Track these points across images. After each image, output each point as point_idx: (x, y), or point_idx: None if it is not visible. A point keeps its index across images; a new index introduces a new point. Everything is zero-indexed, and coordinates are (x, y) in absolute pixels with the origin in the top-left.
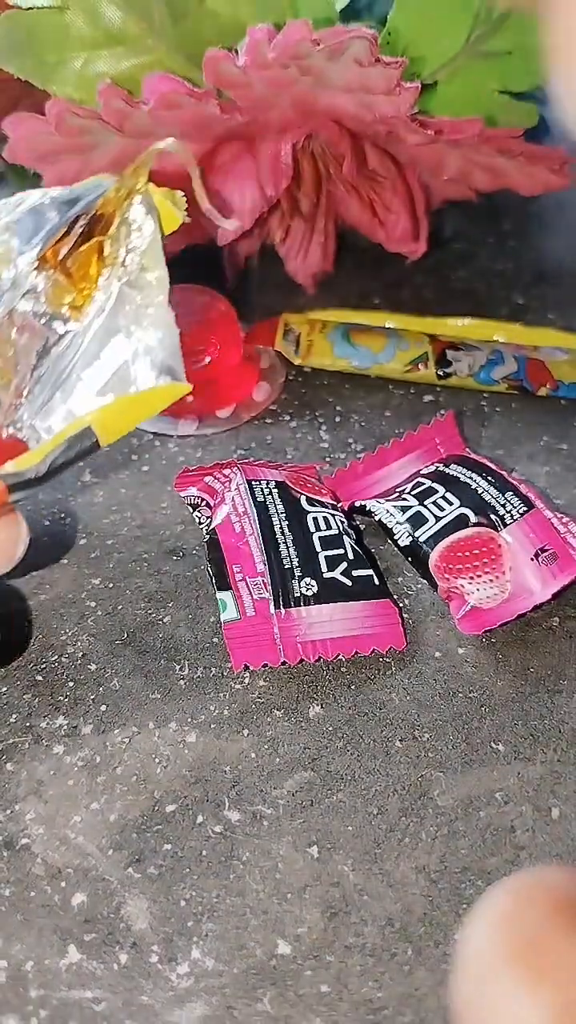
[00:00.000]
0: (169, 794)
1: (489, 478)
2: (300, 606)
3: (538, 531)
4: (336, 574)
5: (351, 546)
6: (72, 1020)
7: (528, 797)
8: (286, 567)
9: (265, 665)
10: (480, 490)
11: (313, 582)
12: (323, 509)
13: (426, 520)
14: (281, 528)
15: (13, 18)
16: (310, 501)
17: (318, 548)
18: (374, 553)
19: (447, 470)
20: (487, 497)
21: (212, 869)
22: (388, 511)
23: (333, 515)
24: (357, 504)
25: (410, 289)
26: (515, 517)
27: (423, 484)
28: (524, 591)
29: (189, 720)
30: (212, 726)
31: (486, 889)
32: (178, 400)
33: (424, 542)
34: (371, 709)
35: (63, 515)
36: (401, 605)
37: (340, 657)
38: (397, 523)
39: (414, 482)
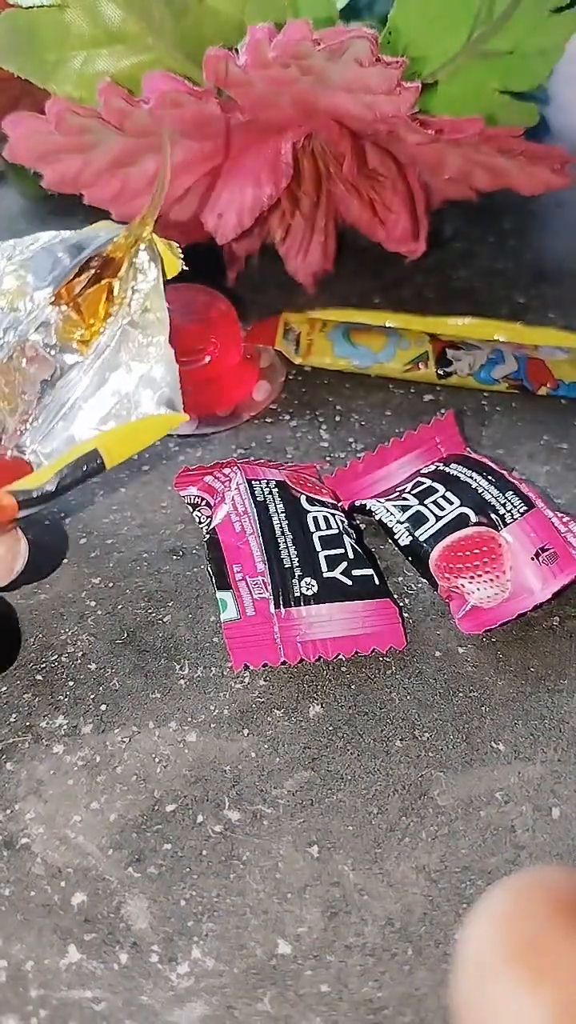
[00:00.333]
0: (169, 794)
1: (489, 477)
2: (300, 605)
3: (538, 530)
4: (336, 573)
5: (351, 545)
6: (72, 1020)
7: (528, 797)
8: (286, 567)
9: (265, 665)
10: (480, 489)
11: (313, 582)
12: (323, 508)
13: (426, 519)
14: (281, 527)
15: (13, 17)
16: (310, 500)
17: (318, 547)
18: (374, 552)
19: (447, 469)
20: (487, 496)
21: (212, 869)
22: (388, 510)
23: (333, 514)
24: (357, 503)
25: (410, 288)
26: (515, 516)
27: (423, 483)
28: (524, 590)
29: (189, 720)
30: (212, 726)
31: (486, 889)
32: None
33: (424, 541)
34: (371, 709)
35: (63, 515)
36: (401, 604)
37: (340, 657)
38: (397, 522)
39: (414, 481)
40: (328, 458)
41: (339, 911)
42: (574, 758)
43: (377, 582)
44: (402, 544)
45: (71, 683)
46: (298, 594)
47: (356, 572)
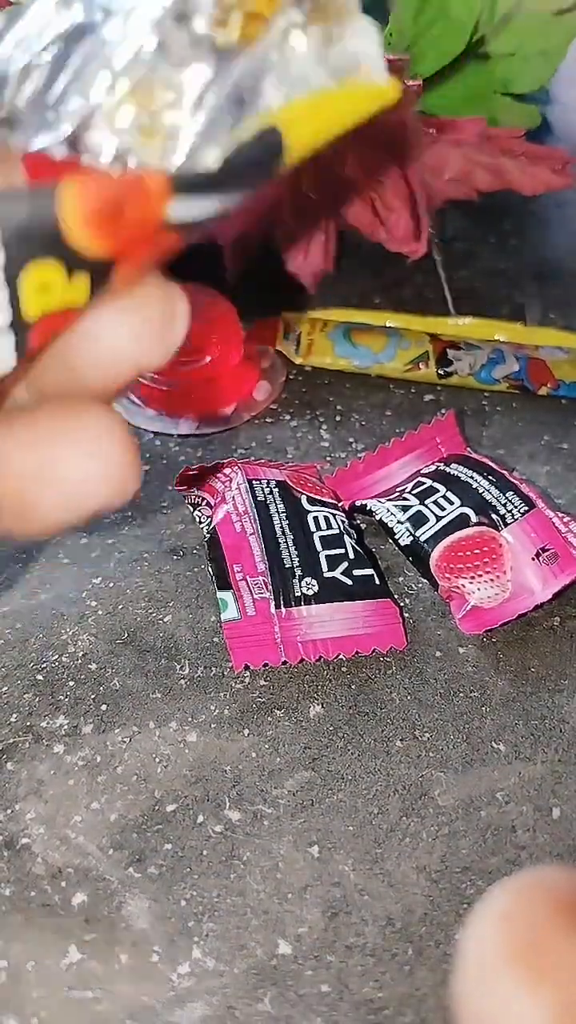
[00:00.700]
0: (170, 794)
1: (490, 477)
2: (301, 605)
3: (539, 531)
4: (337, 573)
5: (352, 545)
6: (72, 1020)
7: (529, 797)
8: (287, 566)
9: (266, 665)
10: (481, 489)
11: (314, 581)
12: (324, 508)
13: (427, 519)
14: (282, 527)
15: None
16: (311, 500)
17: (319, 547)
18: (375, 552)
19: (448, 469)
20: (488, 496)
21: (213, 869)
22: (389, 510)
23: (334, 514)
24: (358, 503)
25: (411, 288)
26: (516, 517)
27: (424, 483)
28: (525, 591)
29: (190, 720)
30: (213, 726)
31: (487, 889)
32: (178, 400)
33: (425, 541)
34: (371, 709)
35: None
36: (402, 605)
37: (340, 657)
38: (398, 522)
39: (415, 481)
40: (328, 458)
41: (340, 911)
42: (574, 758)
43: (378, 582)
44: (403, 544)
45: (72, 683)
46: (299, 594)
47: (357, 572)
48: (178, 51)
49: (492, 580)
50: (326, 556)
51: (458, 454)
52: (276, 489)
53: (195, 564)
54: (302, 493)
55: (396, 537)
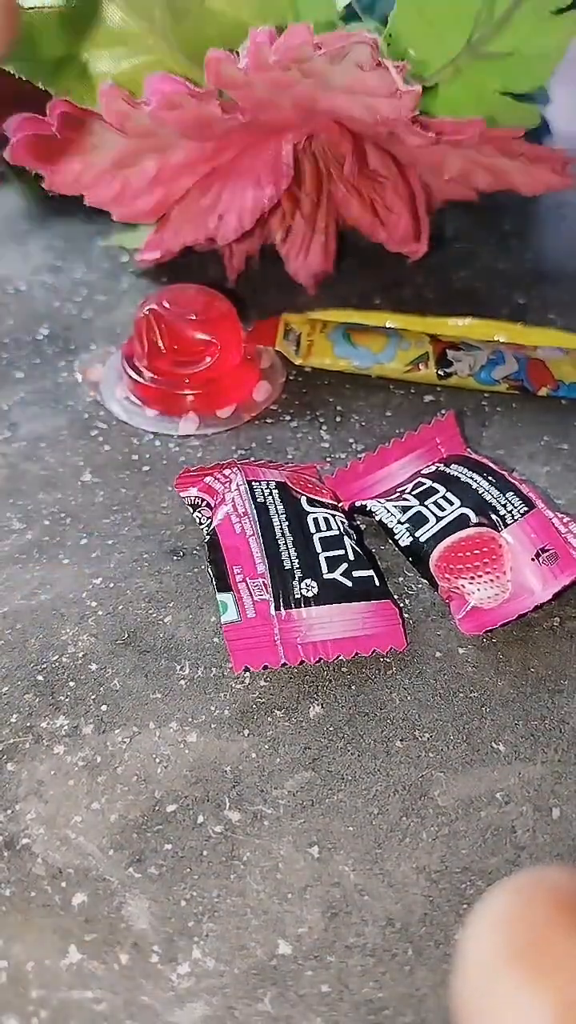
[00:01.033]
0: (170, 794)
1: (490, 478)
2: (300, 607)
3: (539, 531)
4: (336, 575)
5: (352, 547)
6: (72, 1020)
7: (529, 797)
8: (286, 568)
9: (265, 667)
10: (481, 490)
11: (313, 583)
12: (324, 510)
13: (427, 520)
14: (281, 529)
15: None
16: (310, 502)
17: (318, 549)
18: (375, 553)
19: (448, 470)
20: (488, 497)
21: (213, 869)
22: (389, 511)
23: (334, 516)
24: (358, 504)
25: (411, 289)
26: (516, 517)
27: (424, 484)
28: (525, 591)
29: (190, 720)
30: (213, 726)
31: (487, 889)
32: (178, 400)
33: (425, 542)
34: (371, 709)
35: (63, 515)
36: (402, 605)
37: (340, 658)
38: (398, 523)
39: (415, 482)
40: (328, 459)
41: (339, 911)
42: (574, 758)
43: (377, 583)
44: (402, 545)
45: (72, 683)
46: (298, 596)
47: (356, 573)
48: None
49: (492, 581)
50: (326, 557)
51: (458, 455)
52: (276, 490)
53: (195, 565)
54: (302, 494)
55: (396, 538)
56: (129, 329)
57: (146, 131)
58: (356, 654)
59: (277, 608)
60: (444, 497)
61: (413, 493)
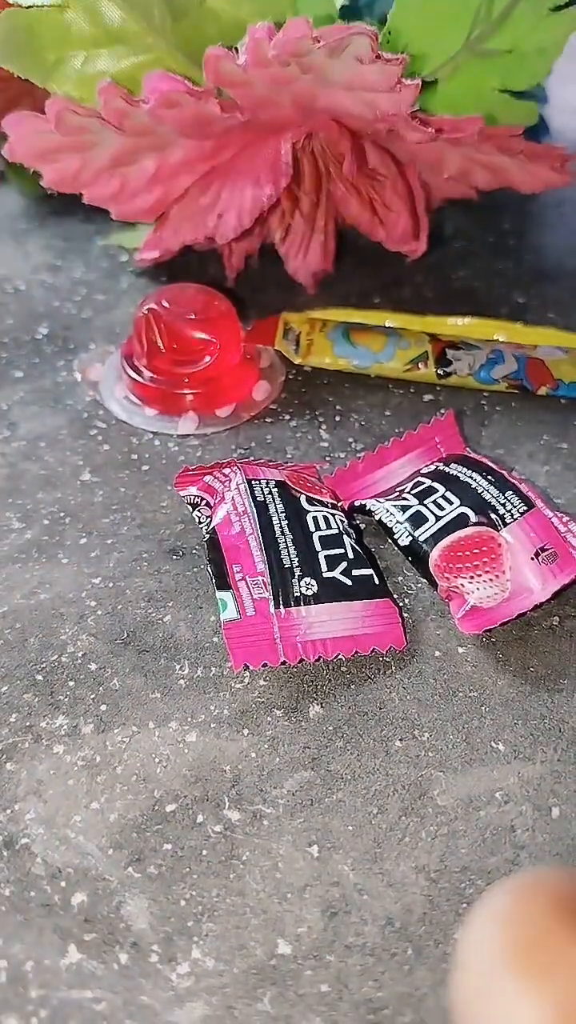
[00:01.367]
0: (169, 793)
1: (489, 477)
2: (300, 606)
3: (538, 530)
4: (336, 573)
5: (351, 545)
6: (72, 1020)
7: (528, 796)
8: (286, 566)
9: (265, 665)
10: (480, 489)
11: (313, 582)
12: (323, 508)
13: (426, 519)
14: (281, 527)
15: (13, 17)
16: (310, 500)
17: (318, 547)
18: (374, 552)
19: (447, 469)
20: (487, 496)
21: (212, 869)
22: (388, 510)
23: (333, 514)
24: (357, 503)
25: (410, 288)
26: (515, 516)
27: (423, 483)
28: (524, 590)
29: (189, 719)
30: (212, 725)
31: (486, 889)
32: (178, 400)
33: (424, 541)
34: (371, 708)
35: (62, 514)
36: (401, 604)
37: (340, 657)
38: (397, 522)
39: (414, 481)
40: (328, 458)
41: (339, 911)
42: (574, 758)
43: (377, 582)
44: (402, 544)
45: (71, 683)
46: (298, 594)
47: (356, 572)
48: None
49: (491, 580)
50: (325, 556)
51: (457, 454)
52: (275, 489)
53: (195, 564)
54: (301, 493)
55: (395, 537)
56: (128, 328)
57: (145, 129)
58: (355, 652)
59: (277, 606)
60: (443, 496)
61: (412, 492)
